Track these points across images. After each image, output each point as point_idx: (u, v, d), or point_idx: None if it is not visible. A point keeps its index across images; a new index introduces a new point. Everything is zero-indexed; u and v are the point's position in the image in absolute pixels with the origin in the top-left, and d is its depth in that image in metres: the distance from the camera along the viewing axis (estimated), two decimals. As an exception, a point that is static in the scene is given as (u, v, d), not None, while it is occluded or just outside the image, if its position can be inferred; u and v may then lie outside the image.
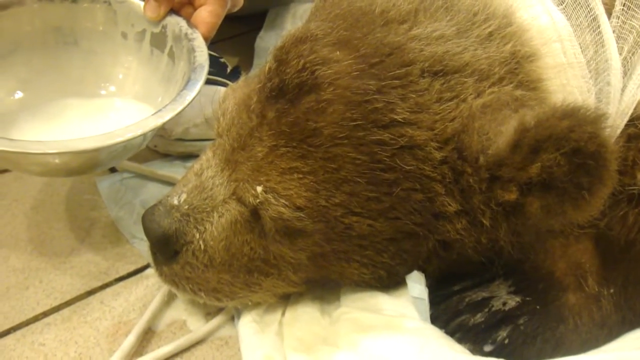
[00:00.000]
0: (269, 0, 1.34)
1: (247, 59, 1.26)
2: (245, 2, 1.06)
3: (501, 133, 0.61)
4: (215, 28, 0.95)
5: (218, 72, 1.14)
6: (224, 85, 1.10)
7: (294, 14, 1.28)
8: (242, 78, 0.80)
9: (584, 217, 0.64)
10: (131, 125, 0.80)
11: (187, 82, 0.87)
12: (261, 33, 1.31)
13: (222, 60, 1.18)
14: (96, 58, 1.02)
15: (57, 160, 0.82)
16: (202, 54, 0.90)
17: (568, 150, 0.58)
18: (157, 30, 0.97)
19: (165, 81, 0.97)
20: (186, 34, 0.93)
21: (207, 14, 0.94)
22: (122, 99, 1.01)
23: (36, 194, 1.04)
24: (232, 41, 1.05)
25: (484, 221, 0.66)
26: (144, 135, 0.80)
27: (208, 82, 0.99)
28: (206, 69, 0.88)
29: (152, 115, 0.82)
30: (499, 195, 0.64)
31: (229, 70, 1.17)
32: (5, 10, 0.97)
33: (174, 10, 0.96)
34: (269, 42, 1.26)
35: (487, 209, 0.65)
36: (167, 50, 0.97)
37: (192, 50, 0.91)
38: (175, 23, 0.96)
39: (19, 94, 1.00)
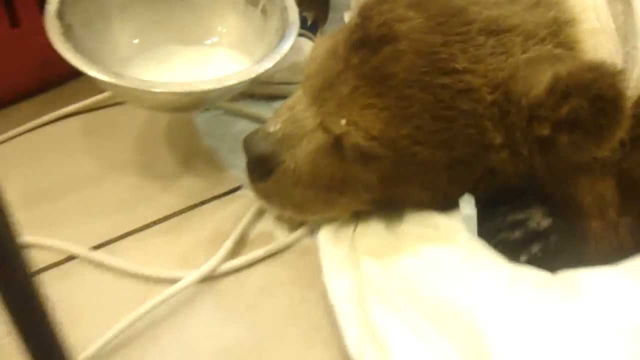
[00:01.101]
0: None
1: (324, 12, 1.42)
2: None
3: (540, 81, 0.77)
4: None
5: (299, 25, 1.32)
6: (305, 36, 1.29)
7: None
8: (325, 30, 0.98)
9: (604, 151, 0.79)
10: (239, 71, 0.98)
11: (282, 37, 1.04)
12: None
13: (303, 14, 1.36)
14: (199, 11, 1.18)
15: (173, 98, 1.00)
16: (294, 13, 1.08)
17: (591, 97, 0.74)
18: None
19: (259, 34, 1.13)
20: None
21: None
22: (224, 48, 1.18)
23: (141, 124, 1.21)
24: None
25: (523, 152, 0.82)
26: (249, 80, 0.98)
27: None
28: (297, 25, 1.05)
29: (256, 64, 1.00)
30: (536, 131, 0.80)
31: (309, 22, 1.36)
32: None
33: None
34: None
35: (526, 142, 0.81)
36: (260, 6, 1.14)
37: (284, 9, 1.08)
38: None
39: (135, 40, 1.16)
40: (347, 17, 1.03)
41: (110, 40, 1.13)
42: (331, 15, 1.39)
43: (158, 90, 0.96)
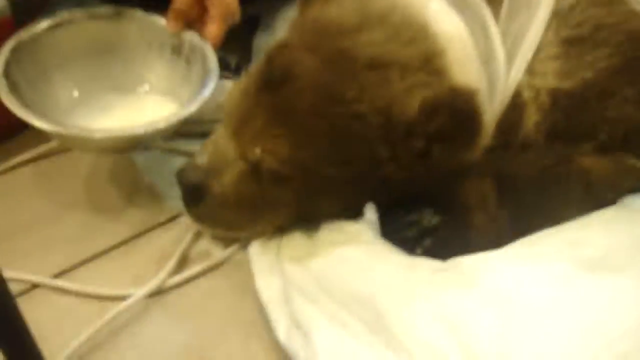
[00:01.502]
0: (262, 7, 1.67)
1: (246, 55, 1.54)
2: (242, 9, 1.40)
3: (413, 105, 0.95)
4: (221, 40, 1.26)
5: (223, 68, 1.47)
6: (229, 78, 1.45)
7: (283, 17, 1.55)
8: (243, 73, 1.14)
9: (471, 156, 0.98)
10: (166, 116, 1.14)
11: (204, 83, 1.19)
12: (258, 33, 1.58)
13: (226, 59, 1.52)
14: (131, 63, 1.32)
15: (111, 142, 1.15)
16: (213, 61, 1.22)
17: (452, 113, 0.93)
18: (176, 42, 1.28)
19: (185, 81, 1.27)
20: (198, 45, 1.25)
21: (215, 29, 1.25)
22: (154, 95, 1.32)
23: (88, 167, 1.33)
24: (234, 41, 1.36)
25: (405, 162, 0.99)
26: (176, 123, 1.14)
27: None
28: (217, 72, 1.20)
29: (181, 109, 1.15)
30: (414, 145, 0.97)
31: (233, 66, 1.52)
32: (62, 26, 1.27)
33: (189, 27, 1.27)
34: (264, 41, 1.52)
35: (406, 154, 0.98)
36: (184, 56, 1.28)
37: (205, 58, 1.23)
38: (190, 36, 1.27)
39: (75, 93, 1.29)
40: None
41: (52, 95, 1.26)
42: (254, 57, 1.55)
43: (97, 136, 1.12)
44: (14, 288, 1.06)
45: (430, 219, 1.04)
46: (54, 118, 1.17)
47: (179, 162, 1.27)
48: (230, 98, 1.08)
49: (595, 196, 1.05)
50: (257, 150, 1.02)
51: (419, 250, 1.03)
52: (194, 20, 1.28)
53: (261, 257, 1.10)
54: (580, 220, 1.04)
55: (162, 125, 1.14)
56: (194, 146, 1.31)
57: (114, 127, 1.15)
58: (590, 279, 0.92)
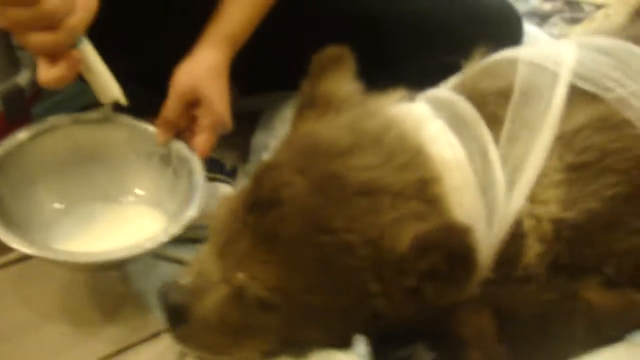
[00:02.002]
0: (262, 102, 1.64)
1: (244, 154, 1.54)
2: (242, 102, 1.38)
3: (403, 240, 0.89)
4: (209, 151, 1.24)
5: (218, 170, 1.44)
6: (224, 182, 1.41)
7: (283, 117, 1.52)
8: (248, 171, 1.09)
9: (464, 295, 0.92)
10: (146, 239, 1.10)
11: (189, 201, 1.16)
12: (256, 132, 1.57)
13: (221, 161, 1.49)
14: (116, 171, 1.29)
15: (91, 266, 1.15)
16: (200, 177, 1.20)
17: (445, 252, 0.87)
18: (164, 151, 1.26)
19: (171, 192, 1.25)
20: (187, 157, 1.22)
21: (204, 141, 1.23)
22: (140, 205, 1.29)
23: (67, 277, 1.30)
24: (230, 139, 1.34)
25: (396, 298, 0.93)
26: (157, 246, 1.11)
27: (210, 179, 1.31)
28: (203, 189, 1.18)
29: (162, 231, 1.12)
30: (404, 281, 0.91)
31: (227, 168, 1.48)
32: (47, 133, 1.25)
33: (176, 136, 1.25)
34: (262, 141, 1.52)
35: (397, 290, 0.92)
36: (172, 167, 1.25)
37: (191, 172, 1.20)
38: (178, 147, 1.24)
39: (57, 204, 1.26)
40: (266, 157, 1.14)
41: (36, 205, 1.24)
42: (252, 157, 1.52)
43: (76, 261, 1.10)
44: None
45: (423, 355, 0.98)
46: (38, 231, 1.17)
47: (170, 269, 1.25)
48: (217, 216, 1.04)
49: (601, 333, 0.99)
50: (241, 275, 0.97)
51: (410, 389, 0.95)
52: (183, 129, 1.26)
53: (245, 383, 1.03)
54: (586, 358, 0.98)
55: (148, 246, 1.10)
56: (183, 252, 1.28)
57: (91, 251, 1.13)
58: None
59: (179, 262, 1.30)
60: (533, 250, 1.00)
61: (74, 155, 1.29)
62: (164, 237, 1.12)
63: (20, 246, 1.08)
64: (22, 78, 1.42)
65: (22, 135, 1.24)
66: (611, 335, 1.00)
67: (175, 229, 1.14)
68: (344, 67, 1.10)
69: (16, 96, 1.39)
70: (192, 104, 1.24)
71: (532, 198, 0.99)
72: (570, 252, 1.00)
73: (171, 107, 1.25)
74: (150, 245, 1.11)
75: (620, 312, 1.00)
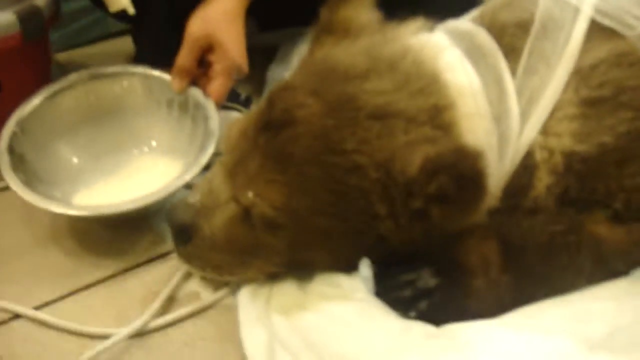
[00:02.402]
0: (280, 37, 1.63)
1: (259, 87, 1.52)
2: (260, 37, 1.36)
3: (414, 162, 0.89)
4: (225, 96, 1.26)
5: (232, 100, 1.44)
6: (237, 110, 1.41)
7: (300, 52, 1.48)
8: (252, 107, 1.09)
9: (470, 220, 0.92)
10: (164, 185, 1.15)
11: (204, 147, 1.18)
12: (272, 65, 1.55)
13: (237, 90, 1.48)
14: (135, 123, 1.34)
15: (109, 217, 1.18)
16: (214, 122, 1.22)
17: (454, 175, 0.86)
18: (182, 99, 1.28)
19: (190, 137, 1.27)
20: (202, 103, 1.25)
21: (219, 86, 1.25)
22: (154, 155, 1.34)
23: None
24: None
25: (403, 221, 0.93)
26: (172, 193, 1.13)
27: (224, 107, 1.31)
28: (217, 134, 1.19)
29: (177, 177, 1.15)
30: (412, 204, 0.91)
31: (242, 97, 1.48)
32: (66, 91, 1.32)
33: (194, 83, 1.26)
34: (278, 74, 1.50)
35: (404, 213, 0.92)
36: (190, 114, 1.28)
37: (207, 118, 1.22)
38: (194, 93, 1.26)
39: (76, 160, 1.32)
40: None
41: (58, 160, 1.30)
42: (266, 89, 1.51)
43: (94, 214, 1.16)
44: (-7, 317, 1.04)
45: (427, 280, 0.99)
46: (60, 185, 1.24)
47: (178, 195, 1.22)
48: (228, 137, 1.04)
49: (607, 267, 0.99)
50: (250, 194, 0.97)
51: (413, 313, 0.97)
52: (200, 75, 1.27)
53: (249, 304, 1.05)
54: (589, 292, 0.98)
55: (162, 194, 1.15)
56: (196, 179, 1.26)
57: (113, 199, 1.19)
58: (589, 360, 0.85)
59: (189, 186, 1.29)
60: (543, 182, 0.99)
61: (93, 110, 1.34)
62: (177, 184, 1.16)
63: (46, 206, 1.14)
64: (40, -1, 1.41)
65: (42, 95, 1.30)
66: (616, 269, 1.00)
67: (189, 176, 1.17)
68: None
69: (33, 17, 1.38)
70: (207, 49, 1.25)
71: (546, 130, 0.99)
72: (581, 185, 0.99)
73: (186, 53, 1.26)
74: (164, 193, 1.15)
75: (626, 247, 0.99)
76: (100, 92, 1.34)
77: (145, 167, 1.33)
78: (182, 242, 1.06)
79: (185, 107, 1.30)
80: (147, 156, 1.35)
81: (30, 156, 1.24)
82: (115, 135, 1.35)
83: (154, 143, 1.36)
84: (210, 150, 1.19)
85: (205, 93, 1.27)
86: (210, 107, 1.25)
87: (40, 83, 1.40)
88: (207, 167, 1.28)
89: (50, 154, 1.29)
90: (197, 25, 1.24)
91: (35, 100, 1.29)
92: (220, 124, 1.23)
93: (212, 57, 1.25)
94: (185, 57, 1.25)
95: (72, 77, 1.33)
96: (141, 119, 1.35)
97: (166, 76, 1.31)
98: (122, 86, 1.35)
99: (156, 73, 1.32)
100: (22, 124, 1.26)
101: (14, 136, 1.23)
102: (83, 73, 1.34)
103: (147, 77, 1.34)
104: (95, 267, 1.18)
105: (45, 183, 1.22)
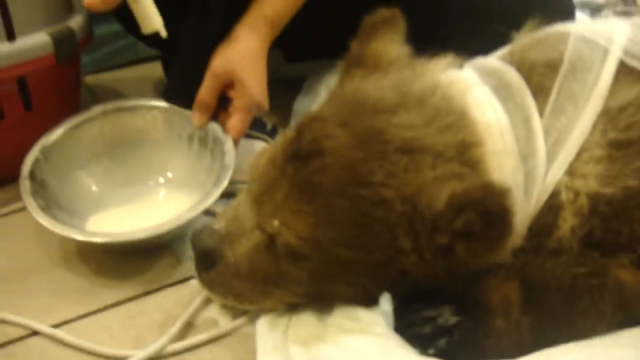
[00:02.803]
0: (307, 69, 1.65)
1: (285, 118, 1.54)
2: (286, 68, 1.37)
3: (441, 197, 0.88)
4: (244, 132, 1.28)
5: (259, 129, 1.45)
6: (263, 140, 1.42)
7: (327, 84, 1.51)
8: (277, 137, 1.10)
9: (497, 258, 0.91)
10: (177, 215, 1.17)
11: (218, 180, 1.21)
12: (299, 97, 1.57)
13: (263, 120, 1.49)
14: (156, 154, 1.36)
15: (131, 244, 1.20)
16: (230, 157, 1.23)
17: (481, 212, 0.86)
18: (202, 133, 1.31)
19: (208, 172, 1.29)
20: (221, 138, 1.27)
21: (237, 122, 1.27)
22: (175, 186, 1.35)
23: None
24: (273, 102, 1.33)
25: (427, 256, 0.93)
26: (184, 224, 1.16)
27: (249, 137, 1.32)
28: (232, 169, 1.21)
29: (190, 208, 1.17)
30: (438, 239, 0.91)
31: (268, 127, 1.49)
32: (89, 122, 1.34)
33: (214, 119, 1.28)
34: (305, 105, 1.52)
35: (429, 248, 0.92)
36: (209, 148, 1.30)
37: (223, 153, 1.24)
38: (214, 128, 1.29)
39: (94, 188, 1.34)
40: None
41: (77, 190, 1.33)
42: (293, 121, 1.52)
43: (111, 241, 1.19)
44: (12, 332, 1.04)
45: (448, 317, 0.98)
46: (79, 212, 1.28)
47: (202, 220, 1.24)
48: (255, 165, 1.04)
49: (629, 313, 0.97)
50: (276, 223, 0.97)
51: (432, 350, 0.96)
52: (219, 112, 1.29)
53: (267, 334, 1.05)
54: (610, 337, 0.96)
55: (173, 225, 1.17)
56: (220, 206, 1.28)
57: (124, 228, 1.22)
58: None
59: (212, 214, 1.30)
60: (568, 223, 0.99)
61: (115, 141, 1.38)
62: (191, 215, 1.18)
63: (57, 230, 1.17)
64: (75, 22, 1.44)
65: (66, 124, 1.33)
66: (639, 316, 0.98)
67: (202, 208, 1.19)
68: (395, 29, 1.10)
69: (67, 39, 1.41)
70: (228, 85, 1.27)
71: (572, 171, 0.99)
72: (605, 228, 0.98)
73: (207, 88, 1.28)
74: (176, 223, 1.17)
75: (650, 293, 0.98)
76: (123, 124, 1.38)
77: (162, 198, 1.36)
78: (204, 268, 1.06)
79: (204, 142, 1.32)
80: (163, 187, 1.38)
81: (52, 183, 1.27)
82: (134, 166, 1.38)
83: (170, 175, 1.38)
84: (224, 183, 1.21)
85: (224, 129, 1.29)
86: (228, 142, 1.27)
87: (70, 105, 1.43)
88: (228, 195, 1.30)
89: (71, 182, 1.32)
90: (219, 61, 1.26)
91: (60, 130, 1.33)
92: (236, 158, 1.26)
93: (232, 94, 1.27)
94: (206, 92, 1.27)
95: (97, 109, 1.36)
96: (161, 152, 1.38)
97: (187, 111, 1.33)
98: (144, 119, 1.38)
99: (176, 108, 1.36)
100: (45, 152, 1.29)
101: (36, 162, 1.27)
102: (107, 105, 1.37)
103: (168, 111, 1.36)
104: (115, 288, 1.19)
105: (64, 209, 1.26)
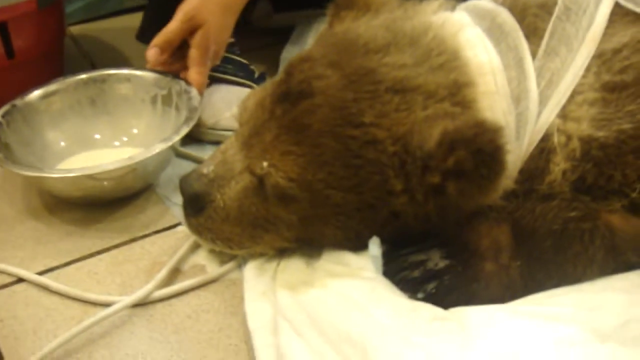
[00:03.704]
0: (295, 18, 1.63)
1: (273, 67, 1.52)
2: (276, 16, 1.36)
3: (432, 135, 0.88)
4: (204, 83, 1.30)
5: (246, 77, 1.43)
6: (251, 87, 1.40)
7: (316, 31, 1.50)
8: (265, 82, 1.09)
9: (489, 198, 0.90)
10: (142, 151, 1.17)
11: (185, 120, 1.22)
12: (287, 46, 1.55)
13: (251, 67, 1.47)
14: (122, 119, 1.38)
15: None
16: (196, 100, 1.26)
17: (473, 150, 0.85)
18: (165, 92, 1.32)
19: (175, 126, 1.27)
20: (185, 90, 1.28)
21: (196, 74, 1.28)
22: (140, 145, 1.33)
23: None
24: (262, 51, 1.32)
25: (418, 197, 0.92)
26: (152, 157, 1.16)
27: (238, 84, 1.31)
28: (199, 110, 1.24)
29: (161, 141, 1.18)
30: (429, 179, 0.90)
31: (256, 75, 1.47)
32: (55, 95, 1.35)
33: (175, 75, 1.30)
34: (293, 54, 1.51)
35: (420, 188, 0.91)
36: (173, 105, 1.31)
37: (189, 99, 1.26)
38: (176, 84, 1.30)
39: (62, 143, 1.35)
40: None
41: (43, 152, 1.33)
42: (281, 70, 1.50)
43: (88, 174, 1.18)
44: (-2, 280, 1.04)
45: (437, 261, 0.97)
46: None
47: (188, 168, 1.23)
48: (244, 108, 1.03)
49: (620, 258, 0.97)
50: (265, 164, 0.96)
51: (420, 294, 0.96)
52: (180, 68, 1.32)
53: (255, 279, 1.04)
54: (601, 282, 0.96)
55: (144, 155, 1.18)
56: (205, 153, 1.30)
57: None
58: (600, 351, 0.85)
59: (199, 161, 1.29)
60: (559, 167, 0.98)
61: (81, 109, 1.38)
62: (161, 147, 1.19)
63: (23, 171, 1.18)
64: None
65: (30, 94, 1.34)
66: (629, 261, 0.97)
67: (169, 142, 1.21)
68: None
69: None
70: (192, 31, 1.28)
71: (565, 114, 0.98)
72: (597, 172, 0.98)
73: (174, 27, 1.28)
74: (148, 153, 1.18)
75: (640, 238, 0.97)
76: (88, 94, 1.39)
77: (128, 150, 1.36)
78: (193, 213, 1.05)
79: (169, 99, 1.34)
80: (129, 145, 1.38)
81: (15, 147, 1.27)
82: (99, 129, 1.40)
83: (135, 131, 1.39)
84: (193, 122, 1.23)
85: (188, 82, 1.31)
86: (193, 90, 1.29)
87: (53, 54, 1.40)
88: (215, 143, 1.29)
89: (37, 147, 1.33)
90: (192, 3, 1.27)
91: (22, 99, 1.33)
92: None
93: (192, 41, 1.28)
94: (172, 30, 1.28)
95: (63, 81, 1.37)
96: (128, 116, 1.40)
97: (149, 74, 1.36)
98: (108, 88, 1.40)
99: (140, 72, 1.38)
100: (7, 116, 1.29)
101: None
102: (72, 78, 1.38)
103: (131, 77, 1.39)
104: (101, 236, 1.18)
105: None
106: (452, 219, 0.95)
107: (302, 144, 0.94)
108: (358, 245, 1.01)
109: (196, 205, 1.04)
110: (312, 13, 1.53)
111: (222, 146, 1.04)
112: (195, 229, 1.07)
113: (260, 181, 0.98)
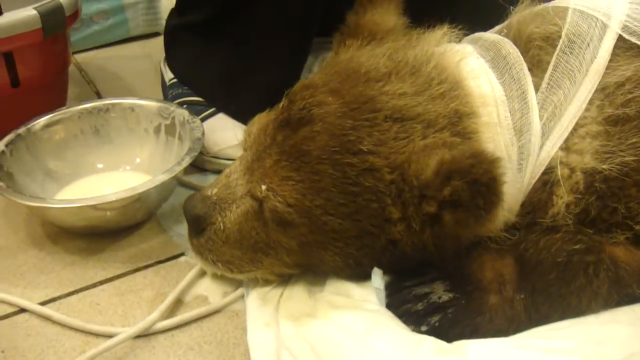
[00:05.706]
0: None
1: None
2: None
3: (429, 165, 0.92)
4: None
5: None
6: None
7: (321, 61, 1.54)
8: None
9: (485, 230, 0.95)
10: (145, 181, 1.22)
11: (189, 150, 1.27)
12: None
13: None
14: (125, 148, 1.45)
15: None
16: (199, 130, 1.33)
17: (469, 180, 0.89)
18: (168, 122, 1.39)
19: (178, 157, 1.33)
20: (188, 120, 1.36)
21: None
22: (143, 173, 1.42)
23: None
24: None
25: (415, 225, 0.96)
26: (155, 187, 1.21)
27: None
28: (202, 140, 1.30)
29: (164, 172, 1.23)
30: (424, 208, 0.94)
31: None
32: (59, 124, 1.41)
33: (178, 105, 1.39)
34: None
35: (417, 217, 0.96)
36: (176, 135, 1.38)
37: (192, 129, 1.33)
38: (180, 113, 1.38)
39: (65, 172, 1.40)
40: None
41: (45, 180, 1.39)
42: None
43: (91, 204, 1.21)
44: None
45: (440, 294, 1.02)
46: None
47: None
48: (248, 133, 1.09)
49: (624, 291, 1.01)
50: (264, 187, 1.01)
51: (424, 327, 1.00)
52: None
53: (258, 310, 1.09)
54: (605, 315, 1.00)
55: (147, 187, 1.22)
56: (208, 181, 1.34)
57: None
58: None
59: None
60: (563, 199, 1.02)
61: (85, 138, 1.45)
62: (164, 178, 1.24)
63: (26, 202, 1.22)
64: (64, -3, 1.48)
65: (34, 123, 1.40)
66: (633, 294, 1.01)
67: (172, 173, 1.25)
68: (392, 0, 1.14)
69: (54, 13, 1.45)
70: None
71: (567, 147, 1.02)
72: (601, 205, 1.02)
73: None
74: (151, 184, 1.23)
75: (645, 272, 1.02)
76: (92, 123, 1.46)
77: (130, 179, 1.41)
78: (195, 234, 1.10)
79: (172, 129, 1.41)
80: (131, 172, 1.45)
81: (18, 175, 1.33)
82: (103, 159, 1.46)
83: (138, 160, 1.45)
84: (196, 153, 1.28)
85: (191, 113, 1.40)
86: (196, 121, 1.37)
87: (58, 83, 1.46)
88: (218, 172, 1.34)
89: (39, 177, 1.39)
90: None
91: (25, 128, 1.39)
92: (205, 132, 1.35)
93: None
94: None
95: (66, 110, 1.44)
96: (131, 145, 1.46)
97: (152, 103, 1.44)
98: (111, 117, 1.46)
99: (142, 102, 1.45)
100: (11, 145, 1.35)
101: (2, 155, 1.32)
102: (75, 107, 1.45)
103: (134, 108, 1.46)
104: (104, 266, 1.23)
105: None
106: (450, 249, 1.00)
107: (301, 170, 0.99)
108: (359, 273, 1.06)
109: (198, 226, 1.09)
110: (318, 41, 1.56)
111: (227, 170, 1.10)
112: (197, 249, 1.12)
113: (260, 205, 1.03)
